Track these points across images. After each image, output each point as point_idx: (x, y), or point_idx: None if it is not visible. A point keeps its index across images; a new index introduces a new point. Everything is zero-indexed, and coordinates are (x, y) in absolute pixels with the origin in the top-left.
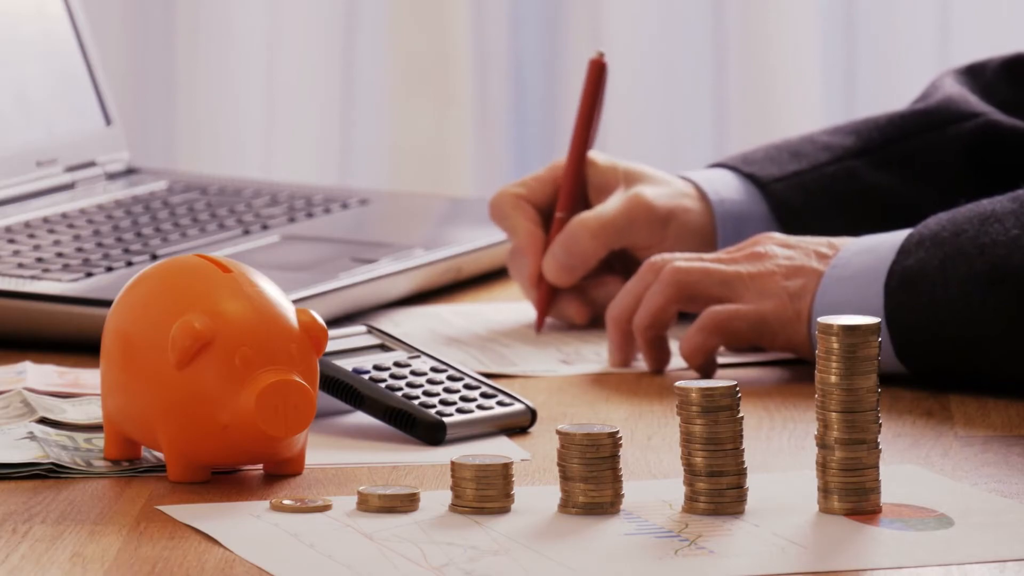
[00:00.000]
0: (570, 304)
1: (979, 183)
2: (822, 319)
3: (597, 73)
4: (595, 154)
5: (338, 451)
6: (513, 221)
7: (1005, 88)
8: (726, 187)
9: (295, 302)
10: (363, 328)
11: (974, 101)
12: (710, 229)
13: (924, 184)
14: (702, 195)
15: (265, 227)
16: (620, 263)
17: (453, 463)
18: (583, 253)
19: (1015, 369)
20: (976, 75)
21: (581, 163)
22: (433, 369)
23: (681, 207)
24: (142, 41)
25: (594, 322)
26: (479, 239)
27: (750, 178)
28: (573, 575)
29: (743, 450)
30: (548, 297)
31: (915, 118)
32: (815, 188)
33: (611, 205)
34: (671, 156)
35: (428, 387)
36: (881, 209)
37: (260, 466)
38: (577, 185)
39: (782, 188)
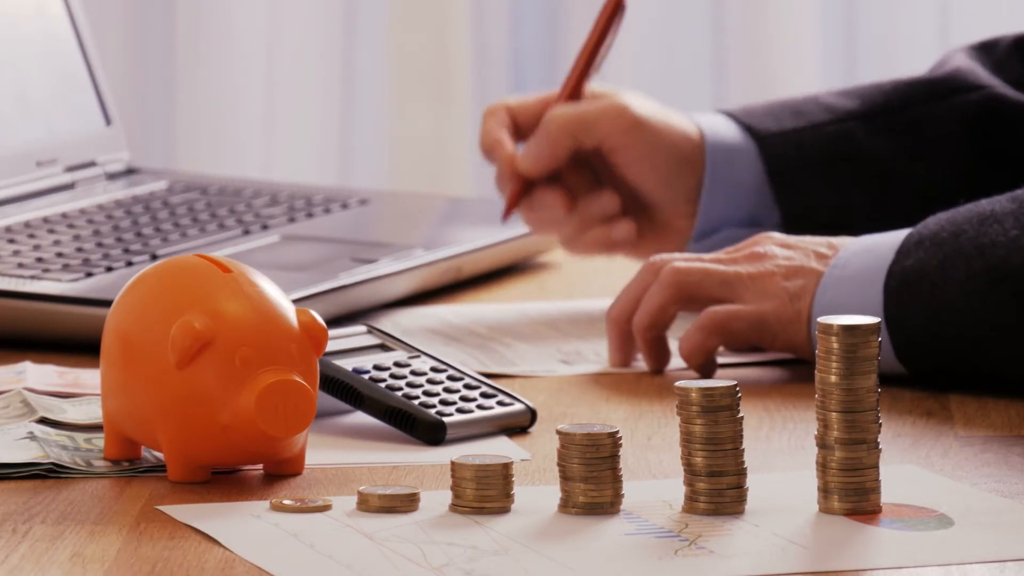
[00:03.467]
0: (547, 192)
1: (980, 156)
2: (822, 319)
3: (612, 10)
4: (595, 83)
5: (338, 451)
6: (485, 125)
7: (1017, 65)
8: (722, 126)
9: (295, 302)
10: (363, 328)
11: (983, 74)
12: (694, 152)
13: (923, 153)
14: (696, 124)
15: (265, 227)
16: (604, 167)
17: (453, 463)
18: (551, 140)
19: (1015, 369)
20: (989, 51)
21: (576, 89)
22: (433, 369)
23: (660, 119)
24: (142, 41)
25: (594, 322)
26: (479, 239)
27: (747, 129)
28: (573, 575)
29: (743, 450)
30: (519, 189)
31: (921, 86)
32: (810, 145)
33: (587, 102)
34: None
35: (428, 387)
36: (875, 175)
37: (260, 466)
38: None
39: (778, 142)
